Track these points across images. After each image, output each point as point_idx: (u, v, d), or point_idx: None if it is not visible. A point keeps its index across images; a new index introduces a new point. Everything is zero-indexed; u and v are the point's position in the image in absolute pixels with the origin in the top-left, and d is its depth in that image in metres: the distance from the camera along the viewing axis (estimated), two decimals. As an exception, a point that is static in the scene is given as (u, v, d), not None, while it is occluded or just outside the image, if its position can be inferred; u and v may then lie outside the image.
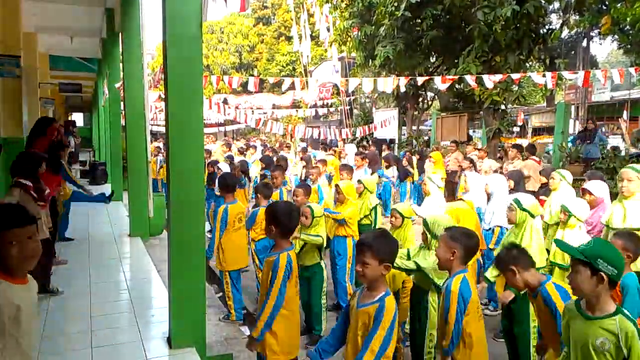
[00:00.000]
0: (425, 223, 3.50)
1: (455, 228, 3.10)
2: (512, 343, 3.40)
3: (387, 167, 9.99)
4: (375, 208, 5.54)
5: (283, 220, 2.81)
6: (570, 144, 10.64)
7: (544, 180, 6.38)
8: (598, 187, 4.58)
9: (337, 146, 14.68)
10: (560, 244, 2.41)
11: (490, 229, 5.29)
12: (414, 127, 15.97)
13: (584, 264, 2.00)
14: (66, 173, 6.27)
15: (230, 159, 9.81)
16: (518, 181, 5.76)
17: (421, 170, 9.76)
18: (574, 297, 2.23)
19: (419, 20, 12.44)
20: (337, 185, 5.22)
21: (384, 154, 11.76)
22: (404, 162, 10.21)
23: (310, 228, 4.33)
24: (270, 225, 2.82)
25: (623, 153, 9.64)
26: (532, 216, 3.76)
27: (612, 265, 1.97)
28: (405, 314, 3.84)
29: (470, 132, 15.18)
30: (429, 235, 3.44)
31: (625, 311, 2.04)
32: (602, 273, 1.97)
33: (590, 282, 1.99)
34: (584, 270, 2.00)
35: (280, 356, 2.77)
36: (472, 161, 8.21)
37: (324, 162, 8.28)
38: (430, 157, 9.82)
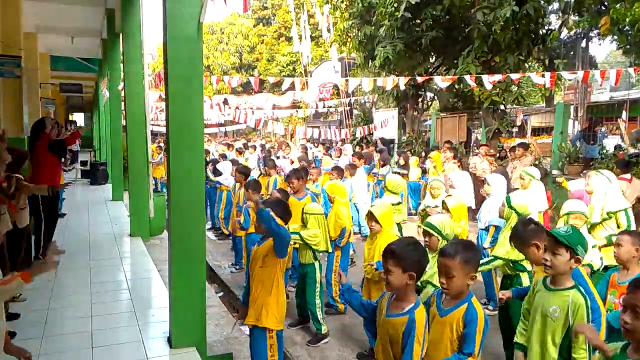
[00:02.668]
0: (431, 226, 3.33)
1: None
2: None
3: (382, 166, 10.04)
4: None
5: (282, 217, 3.09)
6: (576, 144, 10.64)
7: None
8: (574, 184, 4.89)
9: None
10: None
11: (485, 227, 5.28)
12: (414, 128, 15.98)
13: (566, 248, 2.35)
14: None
15: (223, 157, 9.83)
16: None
17: (424, 171, 9.81)
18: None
19: (419, 21, 12.44)
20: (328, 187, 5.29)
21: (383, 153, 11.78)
22: (401, 162, 10.26)
23: (306, 226, 4.45)
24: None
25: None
26: (518, 214, 3.82)
27: (585, 249, 2.40)
28: None
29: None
30: (439, 238, 3.29)
31: (582, 288, 2.41)
32: (578, 256, 2.36)
33: (568, 263, 2.37)
34: (565, 253, 2.36)
35: (272, 323, 3.05)
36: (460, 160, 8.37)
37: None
38: (430, 157, 9.85)
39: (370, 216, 3.93)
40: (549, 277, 2.48)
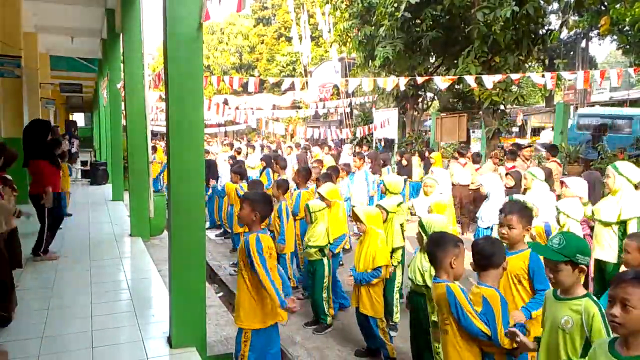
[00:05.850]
0: (421, 224, 3.42)
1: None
2: None
3: (383, 166, 10.04)
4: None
5: (264, 208, 3.14)
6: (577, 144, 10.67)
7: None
8: (574, 183, 4.60)
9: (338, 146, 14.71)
10: (537, 248, 2.51)
11: (488, 227, 5.33)
12: (414, 128, 15.99)
13: (565, 262, 2.13)
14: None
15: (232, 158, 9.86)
16: (517, 181, 5.77)
17: (425, 171, 9.85)
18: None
19: (419, 21, 12.46)
20: (318, 192, 5.02)
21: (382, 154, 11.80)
22: (404, 162, 10.27)
23: (314, 224, 4.61)
24: (252, 212, 3.09)
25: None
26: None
27: (586, 255, 2.16)
28: (380, 309, 3.88)
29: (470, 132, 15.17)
30: (424, 237, 3.35)
31: (593, 297, 2.17)
32: (582, 265, 2.13)
33: (573, 275, 2.15)
34: (565, 267, 2.14)
35: (245, 323, 3.07)
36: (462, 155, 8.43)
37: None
38: (431, 157, 9.91)
39: (355, 216, 3.97)
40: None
